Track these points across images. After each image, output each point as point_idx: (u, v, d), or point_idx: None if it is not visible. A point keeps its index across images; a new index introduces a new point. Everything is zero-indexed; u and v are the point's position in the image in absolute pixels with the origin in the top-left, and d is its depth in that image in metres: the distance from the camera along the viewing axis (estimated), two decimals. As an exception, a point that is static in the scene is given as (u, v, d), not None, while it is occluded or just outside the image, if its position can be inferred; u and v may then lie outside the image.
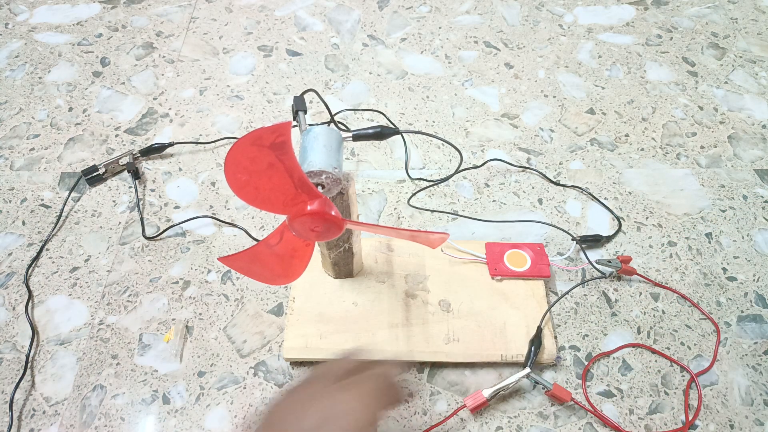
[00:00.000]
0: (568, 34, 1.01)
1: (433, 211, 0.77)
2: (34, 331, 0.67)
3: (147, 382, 0.63)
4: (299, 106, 0.54)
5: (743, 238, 0.74)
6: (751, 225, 0.76)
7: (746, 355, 0.65)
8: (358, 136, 0.53)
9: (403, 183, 0.80)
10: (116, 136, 0.87)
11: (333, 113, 0.88)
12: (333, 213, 0.44)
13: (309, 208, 0.44)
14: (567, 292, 0.69)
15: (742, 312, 0.68)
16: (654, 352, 0.65)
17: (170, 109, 0.90)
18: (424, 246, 0.56)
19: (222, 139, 0.85)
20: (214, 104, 0.90)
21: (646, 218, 0.76)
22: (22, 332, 0.67)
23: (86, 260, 0.73)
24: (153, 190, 0.80)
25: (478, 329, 0.64)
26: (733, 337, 0.66)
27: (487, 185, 0.80)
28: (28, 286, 0.70)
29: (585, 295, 0.69)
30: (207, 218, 0.77)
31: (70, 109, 0.90)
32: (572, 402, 0.60)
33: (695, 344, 0.66)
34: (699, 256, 0.73)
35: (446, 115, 0.89)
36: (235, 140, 0.72)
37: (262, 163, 0.41)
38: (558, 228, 0.74)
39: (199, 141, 0.85)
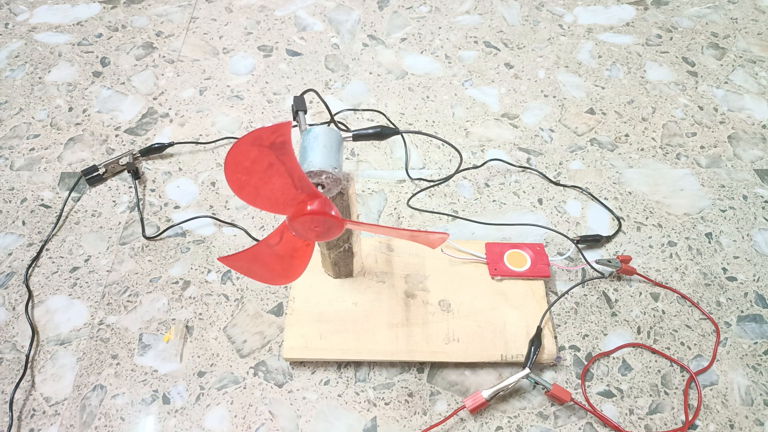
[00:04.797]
0: (568, 34, 1.01)
1: (432, 212, 0.77)
2: (34, 331, 0.67)
3: (147, 382, 0.63)
4: (299, 106, 0.54)
5: (743, 238, 0.74)
6: (751, 225, 0.76)
7: (746, 355, 0.65)
8: (358, 136, 0.53)
9: (403, 183, 0.80)
10: (116, 136, 0.87)
11: (333, 113, 0.88)
12: (333, 213, 0.44)
13: (309, 208, 0.44)
14: (566, 292, 0.69)
15: (742, 312, 0.68)
16: (654, 352, 0.65)
17: (170, 109, 0.90)
18: (424, 246, 0.56)
19: (222, 139, 0.85)
20: (214, 104, 0.90)
21: (646, 218, 0.76)
22: (22, 332, 0.67)
23: (86, 260, 0.73)
24: (153, 190, 0.80)
25: (478, 329, 0.64)
26: (733, 337, 0.66)
27: (487, 185, 0.80)
28: (28, 286, 0.70)
29: (585, 295, 0.69)
30: (207, 218, 0.77)
31: (70, 109, 0.90)
32: (572, 402, 0.60)
33: (695, 344, 0.66)
34: (699, 256, 0.73)
35: (446, 115, 0.89)
36: (235, 140, 0.72)
37: (262, 163, 0.41)
38: (557, 231, 0.75)
39: (199, 141, 0.85)
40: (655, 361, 0.65)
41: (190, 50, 0.99)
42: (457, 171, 0.81)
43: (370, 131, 0.53)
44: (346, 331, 0.63)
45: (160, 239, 0.75)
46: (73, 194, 0.79)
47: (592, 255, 0.72)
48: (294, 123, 0.50)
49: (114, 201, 0.79)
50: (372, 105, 0.90)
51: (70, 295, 0.70)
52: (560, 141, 0.85)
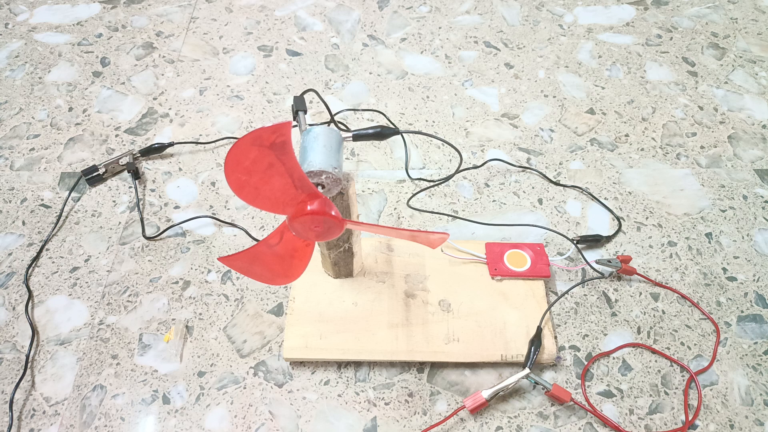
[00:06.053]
0: (568, 34, 1.01)
1: (432, 212, 0.77)
2: (34, 331, 0.67)
3: (147, 382, 0.63)
4: (299, 106, 0.54)
5: (743, 238, 0.74)
6: (751, 225, 0.76)
7: (746, 355, 0.65)
8: (358, 136, 0.53)
9: (403, 183, 0.80)
10: (116, 136, 0.87)
11: (333, 113, 0.88)
12: (333, 213, 0.44)
13: (309, 208, 0.44)
14: (566, 292, 0.69)
15: (742, 312, 0.68)
16: (654, 352, 0.65)
17: (170, 109, 0.90)
18: (424, 246, 0.56)
19: (222, 139, 0.85)
20: (214, 104, 0.90)
21: (646, 218, 0.76)
22: (22, 332, 0.67)
23: (86, 260, 0.73)
24: (153, 190, 0.80)
25: (478, 329, 0.64)
26: (733, 337, 0.66)
27: (487, 185, 0.80)
28: (28, 286, 0.70)
29: (585, 295, 0.69)
30: (207, 218, 0.77)
31: (70, 109, 0.90)
32: (572, 402, 0.60)
33: (695, 344, 0.66)
34: (699, 256, 0.73)
35: (446, 115, 0.89)
36: (235, 140, 0.72)
37: (262, 163, 0.41)
38: (556, 232, 0.75)
39: (199, 141, 0.85)
40: (655, 361, 0.65)
41: (190, 50, 0.99)
42: (457, 171, 0.81)
43: (370, 131, 0.53)
44: (346, 331, 0.63)
45: (160, 239, 0.75)
46: (73, 194, 0.79)
47: (592, 255, 0.72)
48: (294, 123, 0.50)
49: (114, 201, 0.79)
50: (372, 105, 0.90)
51: (70, 295, 0.70)
52: (560, 141, 0.85)
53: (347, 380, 0.63)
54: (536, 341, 0.62)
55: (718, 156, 0.83)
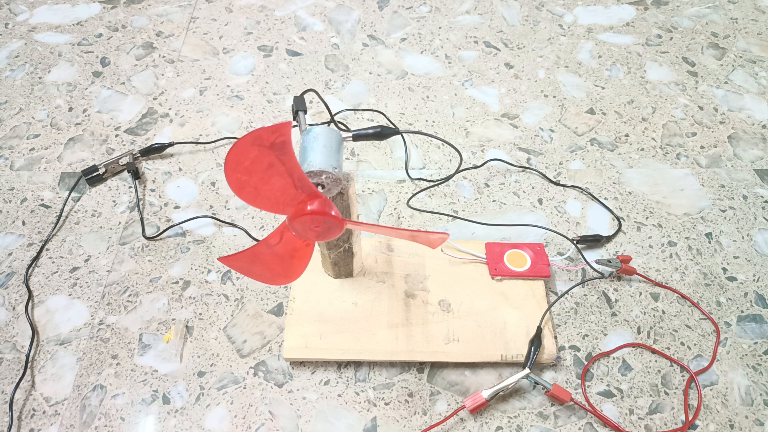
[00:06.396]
0: (568, 34, 1.01)
1: (432, 212, 0.77)
2: (34, 331, 0.67)
3: (147, 382, 0.63)
4: (299, 106, 0.54)
5: (743, 238, 0.74)
6: (751, 225, 0.76)
7: (746, 355, 0.65)
8: (358, 136, 0.53)
9: (403, 183, 0.80)
10: (116, 136, 0.87)
11: (333, 113, 0.88)
12: (333, 213, 0.44)
13: (309, 208, 0.44)
14: (566, 292, 0.69)
15: (742, 312, 0.68)
16: (654, 352, 0.65)
17: (170, 109, 0.90)
18: (424, 246, 0.56)
19: (222, 139, 0.85)
20: (214, 104, 0.90)
21: (646, 218, 0.76)
22: (22, 332, 0.67)
23: (86, 260, 0.73)
24: (153, 190, 0.80)
25: (478, 329, 0.64)
26: (733, 337, 0.66)
27: (487, 185, 0.80)
28: (28, 286, 0.70)
29: (585, 295, 0.69)
30: (207, 218, 0.77)
31: (70, 109, 0.90)
32: (572, 402, 0.60)
33: (695, 344, 0.66)
34: (699, 256, 0.73)
35: (446, 115, 0.89)
36: (235, 140, 0.72)
37: (262, 163, 0.41)
38: (556, 232, 0.75)
39: (199, 141, 0.85)
40: (655, 361, 0.65)
41: (190, 50, 0.99)
42: (457, 171, 0.81)
43: (370, 131, 0.53)
44: (346, 331, 0.63)
45: (160, 239, 0.75)
46: (73, 194, 0.79)
47: (592, 255, 0.73)
48: (294, 123, 0.50)
49: (114, 201, 0.79)
50: (372, 105, 0.90)
51: (70, 295, 0.70)
52: (560, 141, 0.85)
53: (347, 380, 0.63)
54: (536, 341, 0.62)
55: (718, 156, 0.83)
